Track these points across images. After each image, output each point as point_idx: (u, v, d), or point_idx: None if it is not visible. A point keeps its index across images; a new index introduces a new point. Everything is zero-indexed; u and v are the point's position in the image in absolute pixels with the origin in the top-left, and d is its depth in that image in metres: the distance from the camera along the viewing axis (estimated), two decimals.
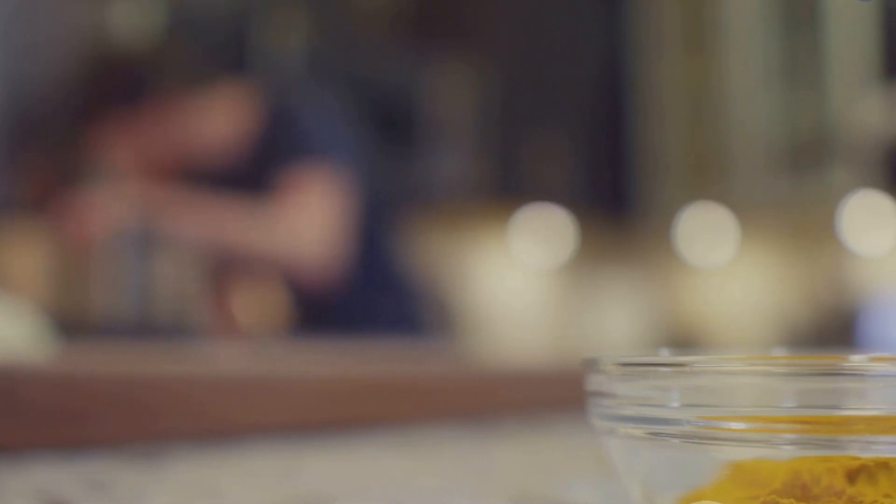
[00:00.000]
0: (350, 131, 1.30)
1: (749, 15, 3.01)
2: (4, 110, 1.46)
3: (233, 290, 1.22)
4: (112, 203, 1.11)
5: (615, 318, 3.23)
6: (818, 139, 2.85)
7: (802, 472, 0.18)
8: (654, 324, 3.23)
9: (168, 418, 0.37)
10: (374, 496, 0.28)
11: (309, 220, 1.13)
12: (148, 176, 1.15)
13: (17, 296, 1.06)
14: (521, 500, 0.27)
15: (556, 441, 0.46)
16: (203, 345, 0.96)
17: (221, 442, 0.39)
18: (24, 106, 1.42)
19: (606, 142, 3.12)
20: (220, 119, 1.19)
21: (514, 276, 2.98)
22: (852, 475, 0.18)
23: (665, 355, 0.25)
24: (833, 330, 2.76)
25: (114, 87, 1.15)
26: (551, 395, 0.55)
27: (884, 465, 0.18)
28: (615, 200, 3.12)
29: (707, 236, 3.13)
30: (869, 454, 0.18)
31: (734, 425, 0.18)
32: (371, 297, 1.24)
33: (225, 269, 1.17)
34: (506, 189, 2.84)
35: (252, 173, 1.17)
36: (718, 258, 3.18)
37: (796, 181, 2.89)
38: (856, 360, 0.18)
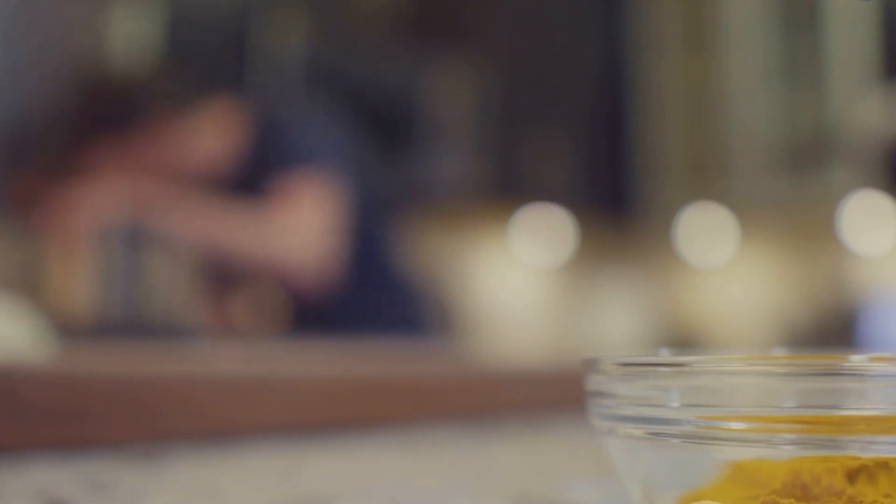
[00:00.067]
0: (343, 137, 1.30)
1: (749, 15, 3.01)
2: None
3: (230, 290, 1.22)
4: (100, 200, 1.11)
5: (615, 318, 3.23)
6: (818, 139, 2.85)
7: (802, 472, 0.18)
8: (654, 324, 3.23)
9: (168, 418, 0.37)
10: (374, 496, 0.28)
11: (300, 226, 1.14)
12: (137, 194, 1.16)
13: (17, 296, 1.06)
14: (521, 500, 0.27)
15: (556, 441, 0.46)
16: (199, 344, 0.96)
17: (221, 442, 0.39)
18: (16, 116, 1.42)
19: (606, 142, 3.12)
20: (210, 137, 1.19)
21: (514, 276, 2.98)
22: (852, 475, 0.18)
23: (665, 355, 0.25)
24: (833, 330, 2.76)
25: (106, 111, 1.16)
26: (551, 395, 0.55)
27: (884, 465, 0.18)
28: (615, 200, 3.12)
29: (707, 236, 3.13)
30: (869, 454, 0.18)
31: (734, 425, 0.18)
32: (371, 297, 1.24)
33: (221, 270, 1.17)
34: (506, 189, 2.84)
35: (243, 188, 1.17)
36: (718, 258, 3.18)
37: (796, 181, 2.89)
38: (856, 360, 0.18)
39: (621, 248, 3.20)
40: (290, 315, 1.21)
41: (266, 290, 1.21)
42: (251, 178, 1.17)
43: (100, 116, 1.16)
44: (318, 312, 1.19)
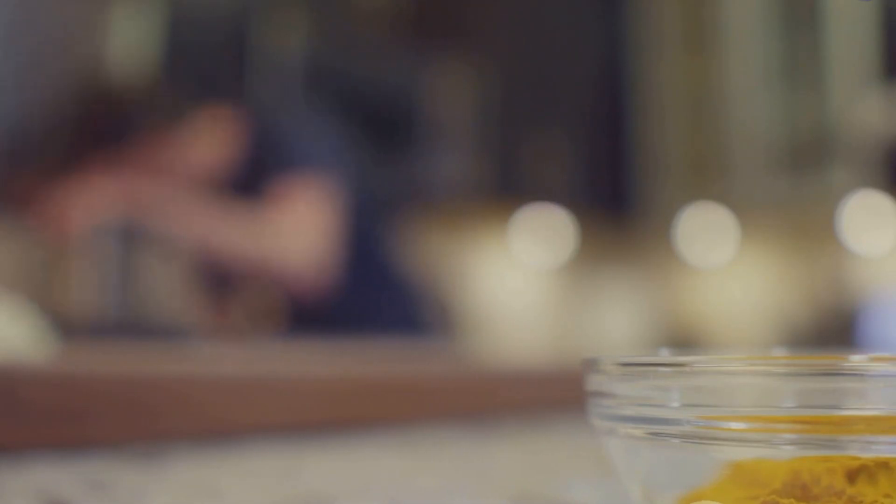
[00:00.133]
0: (339, 140, 1.30)
1: (749, 15, 3.01)
2: None
3: (228, 290, 1.22)
4: (94, 198, 1.11)
5: (615, 318, 3.23)
6: (818, 139, 2.85)
7: (802, 472, 0.18)
8: (654, 324, 3.23)
9: (168, 418, 0.37)
10: (374, 496, 0.28)
11: (296, 228, 1.14)
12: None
13: (17, 295, 1.06)
14: (521, 500, 0.27)
15: (556, 441, 0.46)
16: (196, 344, 0.96)
17: (221, 442, 0.39)
18: (15, 118, 1.42)
19: (606, 142, 3.12)
20: (205, 146, 1.19)
21: (514, 276, 2.98)
22: (852, 475, 0.18)
23: (665, 355, 0.25)
24: (833, 330, 2.76)
25: (103, 122, 1.16)
26: (551, 395, 0.56)
27: (884, 465, 0.18)
28: (615, 200, 3.12)
29: (707, 236, 3.13)
30: (869, 454, 0.18)
31: (734, 425, 0.18)
32: (371, 297, 1.24)
33: (217, 270, 1.17)
34: (506, 189, 2.84)
35: (239, 194, 1.17)
36: (718, 258, 3.18)
37: (796, 181, 2.89)
38: (856, 360, 0.18)
39: (621, 248, 3.20)
40: (289, 316, 1.21)
41: (264, 291, 1.21)
42: (247, 184, 1.17)
43: (97, 126, 1.16)
44: (317, 313, 1.19)
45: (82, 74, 1.49)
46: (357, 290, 1.22)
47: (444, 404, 0.50)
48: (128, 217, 1.09)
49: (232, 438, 0.39)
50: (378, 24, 2.60)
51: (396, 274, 1.30)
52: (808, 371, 0.18)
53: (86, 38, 1.68)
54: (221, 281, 1.19)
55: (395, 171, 2.43)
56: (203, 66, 2.02)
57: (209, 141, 1.19)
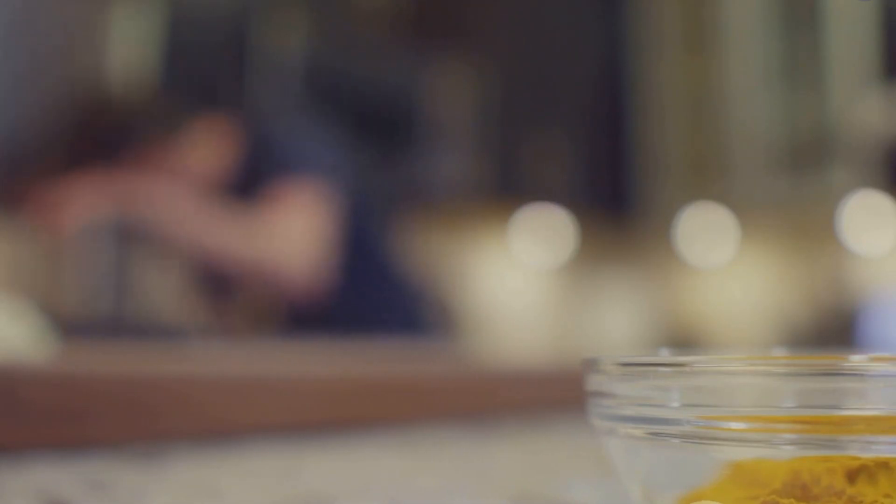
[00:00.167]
0: (335, 145, 1.30)
1: (749, 15, 3.01)
2: None
3: (224, 291, 1.22)
4: (88, 196, 1.11)
5: (615, 318, 3.23)
6: (818, 139, 2.85)
7: (802, 472, 0.18)
8: (654, 324, 3.23)
9: (168, 418, 0.37)
10: (374, 496, 0.28)
11: (290, 231, 1.14)
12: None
13: (17, 295, 1.06)
14: (521, 500, 0.27)
15: (556, 441, 0.46)
16: (189, 343, 0.96)
17: (221, 442, 0.39)
18: (14, 120, 1.42)
19: (606, 142, 3.12)
20: (201, 157, 1.19)
21: (514, 276, 2.98)
22: (852, 475, 0.18)
23: (665, 355, 0.25)
24: (833, 330, 2.76)
25: (100, 134, 1.16)
26: (551, 395, 0.56)
27: (884, 465, 0.18)
28: (615, 200, 3.12)
29: (707, 236, 3.13)
30: (869, 454, 0.18)
31: (734, 425, 0.18)
32: (371, 298, 1.24)
33: (212, 271, 1.17)
34: (506, 189, 2.84)
35: (235, 201, 1.18)
36: (718, 258, 3.18)
37: (796, 181, 2.89)
38: (856, 360, 0.18)
39: (621, 248, 3.20)
40: (288, 317, 1.21)
41: (259, 292, 1.21)
42: (243, 190, 1.18)
43: (94, 137, 1.17)
44: (318, 314, 1.19)
45: (81, 81, 1.49)
46: (357, 291, 1.22)
47: (444, 404, 0.50)
48: (121, 215, 1.09)
49: (232, 438, 0.39)
50: (378, 24, 2.60)
51: (396, 274, 1.30)
52: (808, 371, 0.18)
53: (86, 38, 1.68)
54: (217, 281, 1.19)
55: (395, 171, 2.43)
56: (202, 66, 2.02)
57: (205, 151, 1.20)
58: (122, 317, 1.08)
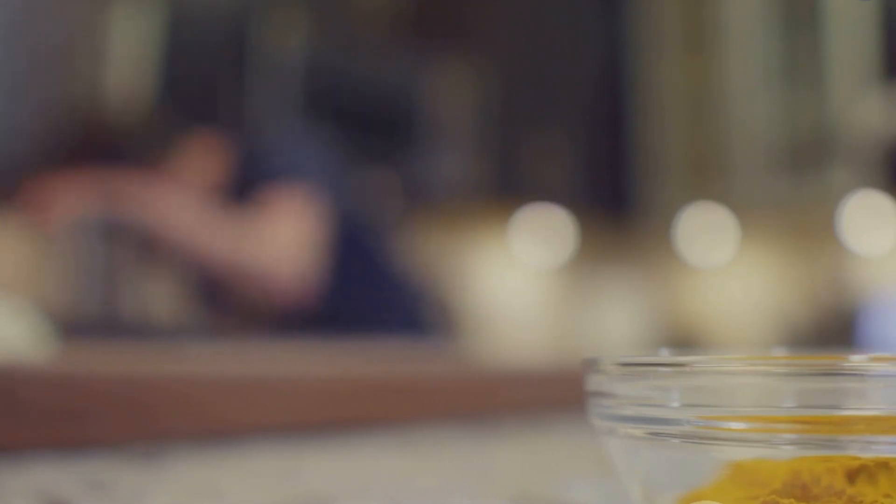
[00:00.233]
0: (327, 154, 1.31)
1: (749, 15, 3.01)
2: None
3: (215, 290, 1.22)
4: (76, 191, 1.11)
5: (615, 318, 3.23)
6: (818, 139, 2.85)
7: (802, 472, 0.18)
8: (654, 324, 3.23)
9: (168, 418, 0.37)
10: (374, 496, 0.28)
11: (277, 235, 1.14)
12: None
13: (17, 294, 1.06)
14: (521, 500, 0.27)
15: (556, 441, 0.46)
16: (187, 342, 0.96)
17: (221, 442, 0.39)
18: (12, 121, 1.42)
19: (606, 142, 3.12)
20: (192, 174, 1.20)
21: (514, 276, 2.98)
22: (852, 475, 0.18)
23: (665, 355, 0.25)
24: (833, 330, 2.76)
25: (94, 154, 1.16)
26: (551, 395, 0.56)
27: (884, 465, 0.18)
28: (615, 200, 3.12)
29: (707, 236, 3.13)
30: (869, 454, 0.18)
31: (734, 425, 0.18)
32: (371, 298, 1.24)
33: (202, 272, 1.17)
34: (506, 189, 2.84)
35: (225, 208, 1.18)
36: (718, 258, 3.18)
37: (796, 181, 2.89)
38: (856, 360, 0.18)
39: (621, 248, 3.20)
40: (285, 318, 1.21)
41: (248, 294, 1.21)
42: (233, 202, 1.18)
43: (88, 154, 1.17)
44: (317, 314, 1.19)
45: (81, 83, 1.50)
46: (356, 292, 1.22)
47: (444, 404, 0.50)
48: (108, 213, 1.10)
49: (232, 438, 0.39)
50: (378, 24, 2.60)
51: (396, 275, 1.30)
52: (808, 371, 0.18)
53: (86, 38, 1.68)
54: (207, 281, 1.19)
55: (395, 171, 2.43)
56: (202, 66, 2.02)
57: (196, 168, 1.20)
58: (110, 315, 1.08)
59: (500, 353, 1.38)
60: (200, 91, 1.99)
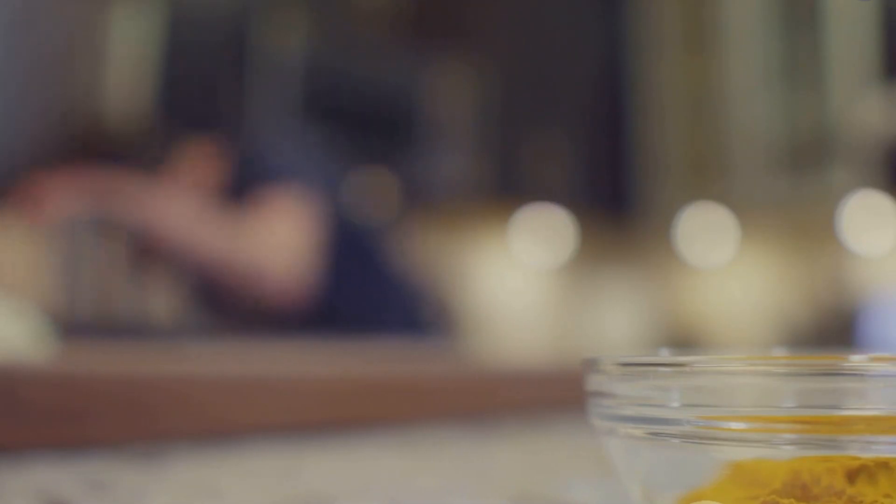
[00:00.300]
0: (324, 160, 1.31)
1: (749, 15, 3.01)
2: None
3: (210, 290, 1.22)
4: (68, 188, 1.11)
5: (615, 318, 3.23)
6: (818, 139, 2.85)
7: (802, 472, 0.18)
8: (654, 324, 3.23)
9: (168, 418, 0.37)
10: (374, 496, 0.28)
11: (272, 236, 1.14)
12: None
13: (17, 294, 1.06)
14: (521, 500, 0.27)
15: (556, 441, 0.46)
16: (186, 343, 0.96)
17: (221, 442, 0.39)
18: (10, 121, 1.42)
19: (606, 142, 3.12)
20: (188, 178, 1.20)
21: (514, 276, 2.98)
22: (852, 475, 0.18)
23: (665, 355, 0.25)
24: (833, 330, 2.76)
25: (91, 160, 1.17)
26: (551, 395, 0.56)
27: (884, 465, 0.18)
28: (615, 200, 3.12)
29: (707, 236, 3.13)
30: (869, 454, 0.18)
31: (734, 425, 0.18)
32: (371, 298, 1.24)
33: (196, 271, 1.17)
34: (506, 189, 2.84)
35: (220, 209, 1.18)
36: (718, 258, 3.18)
37: (796, 181, 2.89)
38: (856, 360, 0.18)
39: (621, 248, 3.20)
40: (283, 318, 1.21)
41: (242, 293, 1.21)
42: (228, 206, 1.18)
43: (85, 160, 1.17)
44: (316, 314, 1.19)
45: (79, 93, 1.50)
46: (356, 292, 1.22)
47: (444, 404, 0.50)
48: (100, 210, 1.10)
49: (232, 438, 0.39)
50: (378, 24, 2.60)
51: (395, 274, 1.30)
52: (808, 371, 0.18)
53: (86, 38, 1.68)
54: (202, 281, 1.19)
55: (395, 171, 2.43)
56: (202, 66, 2.02)
57: (192, 174, 1.20)
58: (103, 314, 1.08)
59: (500, 353, 1.38)
60: (200, 91, 1.99)
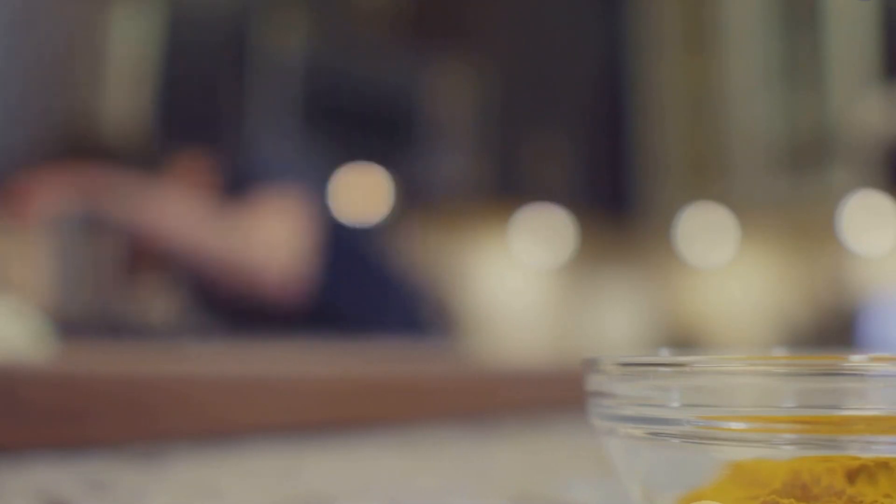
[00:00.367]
0: (319, 156, 1.31)
1: (749, 15, 3.01)
2: None
3: (208, 288, 1.22)
4: (57, 185, 1.11)
5: (615, 318, 3.23)
6: (818, 139, 2.85)
7: (802, 472, 0.18)
8: (654, 324, 3.23)
9: (168, 418, 0.37)
10: (374, 496, 0.28)
11: (267, 234, 1.14)
12: None
13: (16, 294, 1.06)
14: (521, 500, 0.27)
15: (556, 441, 0.46)
16: (185, 343, 0.96)
17: (221, 442, 0.39)
18: (8, 121, 1.42)
19: (606, 142, 3.12)
20: (184, 180, 1.20)
21: (514, 276, 2.98)
22: (852, 475, 0.18)
23: (665, 355, 0.25)
24: (833, 330, 2.76)
25: (87, 160, 1.17)
26: (551, 395, 0.55)
27: (884, 465, 0.18)
28: (615, 200, 3.12)
29: (707, 236, 3.13)
30: (869, 454, 0.18)
31: (734, 425, 0.18)
32: (371, 298, 1.24)
33: (190, 269, 1.17)
34: (506, 189, 2.84)
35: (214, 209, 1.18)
36: (718, 258, 3.18)
37: (796, 181, 2.89)
38: (856, 360, 0.18)
39: (621, 248, 3.20)
40: (281, 317, 1.21)
41: (236, 291, 1.21)
42: (223, 203, 1.18)
43: (79, 166, 1.17)
44: (312, 313, 1.19)
45: (79, 93, 1.50)
46: (354, 291, 1.22)
47: (444, 404, 0.50)
48: (90, 207, 1.10)
49: (232, 438, 0.39)
50: (378, 24, 2.60)
51: (394, 274, 1.30)
52: (808, 371, 0.18)
53: (85, 38, 1.68)
54: (197, 279, 1.19)
55: (394, 171, 2.43)
56: (202, 66, 2.02)
57: (188, 176, 1.20)
58: (95, 314, 1.08)
59: (500, 353, 1.38)
60: (200, 92, 1.99)
